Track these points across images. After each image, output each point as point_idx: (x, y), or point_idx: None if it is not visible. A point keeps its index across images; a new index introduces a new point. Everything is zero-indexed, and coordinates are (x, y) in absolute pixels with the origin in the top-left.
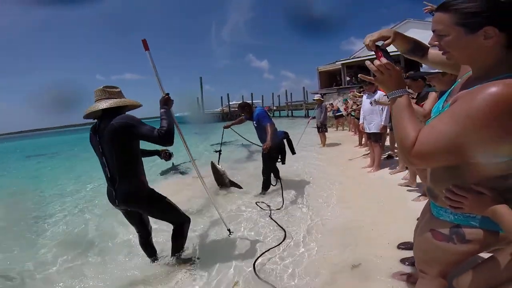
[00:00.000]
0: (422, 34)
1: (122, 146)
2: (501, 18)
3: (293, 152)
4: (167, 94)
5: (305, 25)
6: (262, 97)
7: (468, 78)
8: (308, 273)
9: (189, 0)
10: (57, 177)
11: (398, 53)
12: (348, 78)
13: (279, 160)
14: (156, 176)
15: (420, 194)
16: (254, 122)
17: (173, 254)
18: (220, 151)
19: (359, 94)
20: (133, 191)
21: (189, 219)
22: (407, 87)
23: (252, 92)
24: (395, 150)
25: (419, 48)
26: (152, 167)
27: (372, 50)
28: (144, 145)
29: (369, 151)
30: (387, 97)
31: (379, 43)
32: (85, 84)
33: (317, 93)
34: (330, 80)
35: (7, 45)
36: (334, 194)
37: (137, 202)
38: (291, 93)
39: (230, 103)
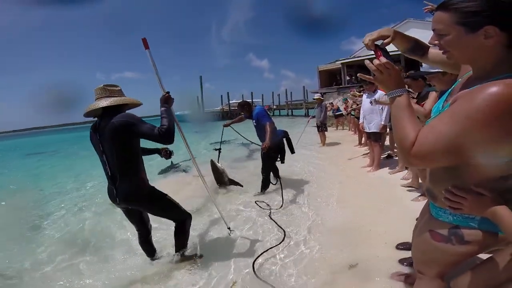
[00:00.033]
0: (423, 33)
1: (123, 145)
2: (501, 17)
3: (292, 152)
4: (168, 92)
5: (306, 24)
6: (262, 96)
7: (469, 78)
8: (307, 273)
9: None
10: (56, 175)
11: (398, 52)
12: (348, 78)
13: (278, 159)
14: (155, 175)
15: (419, 194)
16: (254, 121)
17: (176, 251)
18: (219, 149)
19: (359, 94)
20: (134, 189)
21: (190, 215)
22: (407, 86)
23: (252, 91)
24: (395, 150)
25: (419, 47)
26: (151, 165)
27: (371, 50)
28: (144, 143)
29: (368, 151)
30: (387, 97)
31: (379, 43)
32: (85, 83)
33: (317, 92)
34: (330, 79)
35: (7, 43)
36: (334, 194)
37: (138, 200)
38: (291, 92)
39: (230, 102)
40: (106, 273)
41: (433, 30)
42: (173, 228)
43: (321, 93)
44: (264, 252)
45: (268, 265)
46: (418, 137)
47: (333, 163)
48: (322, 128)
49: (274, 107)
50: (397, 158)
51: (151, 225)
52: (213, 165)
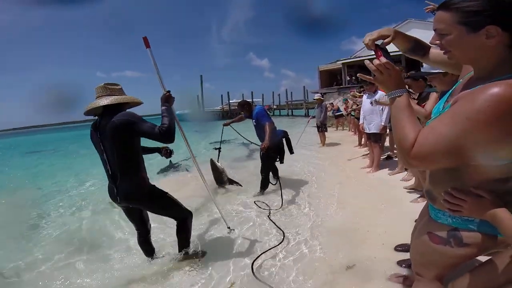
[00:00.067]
0: (424, 34)
1: (124, 143)
2: (503, 17)
3: (291, 152)
4: (168, 91)
5: (306, 24)
6: (262, 95)
7: (470, 79)
8: (306, 274)
9: None
10: (55, 174)
11: (399, 53)
12: (348, 78)
13: (277, 159)
14: (154, 174)
15: (419, 195)
16: (254, 120)
17: (180, 249)
18: (219, 148)
19: (359, 94)
20: (134, 188)
21: (191, 213)
22: (408, 87)
23: (252, 90)
24: (395, 151)
25: (420, 47)
26: (151, 164)
27: (371, 49)
28: (145, 142)
29: (368, 152)
30: (387, 97)
31: (379, 42)
32: (85, 81)
33: (317, 92)
34: (330, 79)
35: (7, 42)
36: (333, 194)
37: (139, 199)
38: (291, 92)
39: (230, 101)
40: (104, 273)
41: (434, 30)
42: (172, 228)
43: (321, 93)
44: (263, 253)
45: (267, 266)
46: (418, 138)
47: (333, 164)
48: (322, 128)
49: (274, 107)
50: (396, 159)
51: (150, 225)
52: (213, 164)
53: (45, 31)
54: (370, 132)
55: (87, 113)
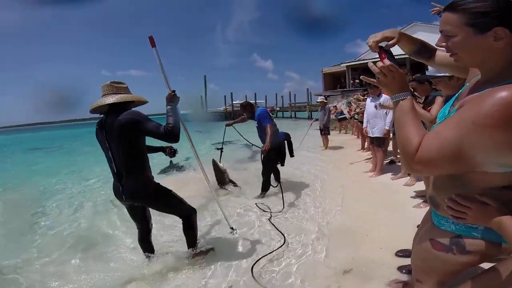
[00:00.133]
0: (430, 37)
1: (129, 142)
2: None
3: (292, 155)
4: (173, 91)
5: (311, 26)
6: (265, 97)
7: (477, 82)
8: (305, 278)
9: None
10: (58, 171)
11: (404, 56)
12: (351, 81)
13: (278, 162)
14: (154, 175)
15: (422, 200)
16: (256, 122)
17: (189, 247)
18: (221, 149)
19: (362, 98)
20: (140, 187)
21: (195, 210)
22: (413, 90)
23: (255, 92)
24: (398, 156)
25: (425, 50)
26: (154, 164)
27: (375, 52)
28: (149, 141)
29: (371, 156)
30: (391, 100)
31: (384, 44)
32: (91, 80)
33: (321, 95)
34: (334, 82)
35: (15, 39)
36: (335, 198)
37: (144, 197)
38: (294, 94)
39: (234, 102)
40: (102, 271)
41: (441, 31)
42: (171, 228)
43: (325, 96)
44: (263, 257)
45: (267, 270)
46: (422, 142)
47: (336, 167)
48: (325, 131)
49: (277, 108)
50: (400, 164)
51: (152, 224)
52: (215, 164)
53: (51, 30)
54: (374, 136)
55: (93, 111)
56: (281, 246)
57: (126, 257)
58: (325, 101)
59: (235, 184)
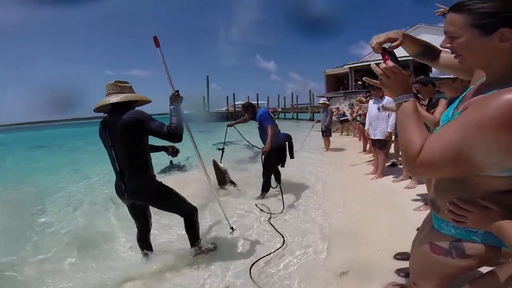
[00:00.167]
0: (434, 39)
1: (133, 141)
2: None
3: (292, 157)
4: (177, 91)
5: (314, 27)
6: (267, 98)
7: (481, 84)
8: (303, 279)
9: None
10: (59, 170)
11: (408, 58)
12: (354, 83)
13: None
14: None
15: (422, 203)
16: (257, 122)
17: (192, 245)
18: (223, 149)
19: (365, 100)
20: (143, 186)
21: (196, 208)
22: (416, 92)
23: (258, 92)
24: (400, 158)
25: (430, 51)
26: (154, 164)
27: (378, 53)
28: (151, 140)
29: (373, 158)
30: (393, 102)
31: (387, 46)
32: (94, 79)
33: (323, 97)
34: (337, 83)
35: (18, 38)
36: (336, 199)
37: (147, 196)
38: (297, 96)
39: (236, 103)
40: (99, 270)
41: (445, 32)
42: (169, 228)
43: (327, 98)
44: (261, 258)
45: (265, 271)
46: (424, 145)
47: (337, 169)
48: (326, 133)
49: (279, 109)
50: (401, 166)
51: (151, 223)
52: (215, 165)
53: (55, 30)
54: (375, 138)
55: (97, 110)
56: (280, 247)
57: (124, 256)
58: (327, 102)
59: (235, 185)
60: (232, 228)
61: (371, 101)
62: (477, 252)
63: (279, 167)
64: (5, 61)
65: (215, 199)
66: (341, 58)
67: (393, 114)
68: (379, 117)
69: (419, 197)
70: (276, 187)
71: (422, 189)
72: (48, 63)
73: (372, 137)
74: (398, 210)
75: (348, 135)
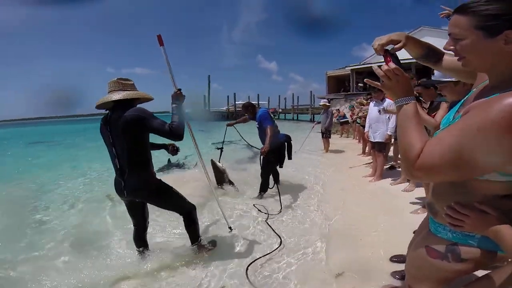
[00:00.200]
0: (437, 42)
1: (134, 138)
2: None
3: (289, 157)
4: (179, 89)
5: (316, 28)
6: (268, 98)
7: (484, 88)
8: (299, 280)
9: None
10: (57, 166)
11: (411, 61)
12: (355, 85)
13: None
14: None
15: (420, 206)
16: (257, 123)
17: (192, 243)
18: (222, 148)
19: (365, 102)
20: (143, 184)
21: (195, 206)
22: (418, 95)
23: (259, 93)
24: (398, 161)
25: (433, 54)
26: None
27: (381, 55)
28: (152, 138)
29: (372, 161)
30: (394, 104)
31: (390, 48)
32: (96, 76)
33: (324, 98)
34: (338, 85)
35: (22, 35)
36: (334, 201)
37: (146, 193)
38: (298, 97)
39: (236, 102)
40: (94, 267)
41: (449, 34)
42: (168, 227)
43: (328, 99)
44: (257, 259)
45: (262, 271)
46: (424, 149)
47: (336, 171)
48: (326, 134)
49: (280, 110)
50: (399, 169)
51: (148, 222)
52: (214, 164)
53: (58, 28)
54: (375, 141)
55: (99, 107)
56: (276, 248)
57: (119, 254)
58: (328, 104)
59: (233, 185)
60: (230, 227)
61: (371, 104)
62: (473, 256)
63: (278, 167)
64: (7, 59)
65: (213, 199)
66: (343, 60)
67: (393, 117)
68: (379, 120)
69: (417, 200)
70: (272, 187)
71: (420, 192)
72: (50, 61)
73: (372, 140)
74: (396, 213)
75: (348, 137)
